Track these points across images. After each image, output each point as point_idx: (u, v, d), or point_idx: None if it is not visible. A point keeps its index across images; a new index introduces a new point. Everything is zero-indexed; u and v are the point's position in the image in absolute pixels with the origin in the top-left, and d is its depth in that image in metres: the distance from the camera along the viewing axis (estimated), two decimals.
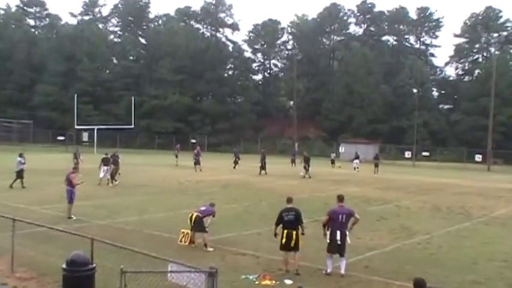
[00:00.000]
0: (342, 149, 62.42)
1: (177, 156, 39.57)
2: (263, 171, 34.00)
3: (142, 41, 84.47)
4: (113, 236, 12.70)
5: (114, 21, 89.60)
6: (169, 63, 74.95)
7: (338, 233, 10.25)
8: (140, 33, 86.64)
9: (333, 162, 47.44)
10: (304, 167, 33.05)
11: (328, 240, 10.40)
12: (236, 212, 17.99)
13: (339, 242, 10.18)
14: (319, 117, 79.34)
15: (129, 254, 7.39)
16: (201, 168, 34.70)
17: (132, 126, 59.78)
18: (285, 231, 10.40)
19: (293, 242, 10.34)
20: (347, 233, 10.42)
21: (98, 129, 58.17)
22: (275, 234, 10.65)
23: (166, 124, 72.07)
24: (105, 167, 25.34)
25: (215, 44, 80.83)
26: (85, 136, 65.24)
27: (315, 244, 10.98)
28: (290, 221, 10.43)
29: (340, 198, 10.74)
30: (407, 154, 60.33)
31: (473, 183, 34.54)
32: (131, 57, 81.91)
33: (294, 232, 10.39)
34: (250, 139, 73.06)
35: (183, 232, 12.60)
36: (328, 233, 10.43)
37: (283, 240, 10.37)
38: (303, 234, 10.61)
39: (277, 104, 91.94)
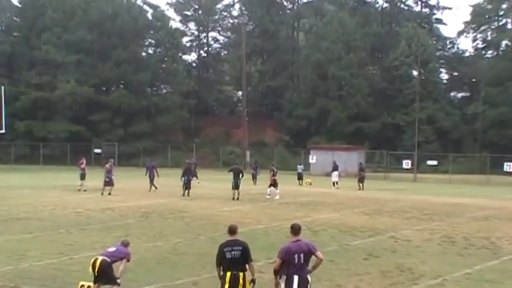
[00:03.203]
0: (312, 159, 63.01)
1: (83, 177, 38.02)
2: (186, 192, 34.50)
3: (15, 2, 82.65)
4: None
5: None
6: (59, 37, 73.65)
7: (295, 279, 10.25)
8: None
9: (300, 177, 47.82)
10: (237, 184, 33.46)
11: None
12: (162, 252, 17.78)
13: None
14: (280, 113, 79.96)
15: None
16: (110, 191, 34.23)
17: (3, 130, 58.01)
18: (228, 273, 10.43)
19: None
20: (308, 278, 10.44)
21: None
22: (220, 278, 10.62)
23: (55, 127, 70.92)
24: None
25: (127, 9, 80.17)
26: None
27: None
28: (235, 259, 10.47)
29: (295, 231, 10.67)
30: (406, 163, 61.38)
31: (501, 203, 35.27)
32: None
33: (241, 274, 10.43)
34: (181, 146, 72.69)
35: (83, 286, 12.37)
36: (282, 282, 10.44)
37: (227, 286, 10.38)
38: (252, 282, 10.60)
39: (219, 96, 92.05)
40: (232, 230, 10.85)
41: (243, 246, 10.58)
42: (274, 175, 34.99)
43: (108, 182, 34.74)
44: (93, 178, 37.40)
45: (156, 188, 37.10)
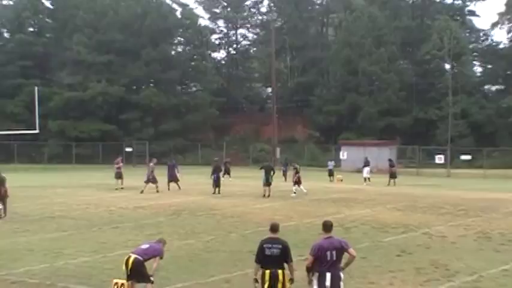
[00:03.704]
0: (343, 155, 62.76)
1: (120, 177, 37.91)
2: (216, 189, 34.54)
3: (48, 4, 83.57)
4: None
5: None
6: (90, 38, 74.34)
7: (328, 276, 10.23)
8: None
9: (331, 173, 47.73)
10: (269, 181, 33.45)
11: None
12: (194, 250, 17.84)
13: None
14: (310, 110, 79.68)
15: None
16: (143, 189, 34.49)
17: (37, 130, 58.84)
18: (267, 271, 10.43)
19: (280, 285, 10.38)
20: (341, 275, 10.40)
21: None
22: (255, 280, 10.60)
23: (87, 126, 71.72)
24: None
25: (156, 8, 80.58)
26: None
27: None
28: (275, 256, 10.47)
29: (327, 227, 10.66)
30: (439, 159, 60.74)
31: None
32: (31, 29, 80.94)
33: (280, 272, 10.42)
34: (211, 144, 72.94)
35: (117, 283, 12.35)
36: (314, 279, 10.43)
37: (266, 285, 10.39)
38: (291, 280, 10.60)
39: (248, 93, 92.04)
40: (273, 228, 10.87)
41: (282, 245, 10.58)
42: (297, 173, 34.99)
43: (150, 180, 35.02)
44: (124, 176, 37.91)
45: (169, 188, 36.64)
